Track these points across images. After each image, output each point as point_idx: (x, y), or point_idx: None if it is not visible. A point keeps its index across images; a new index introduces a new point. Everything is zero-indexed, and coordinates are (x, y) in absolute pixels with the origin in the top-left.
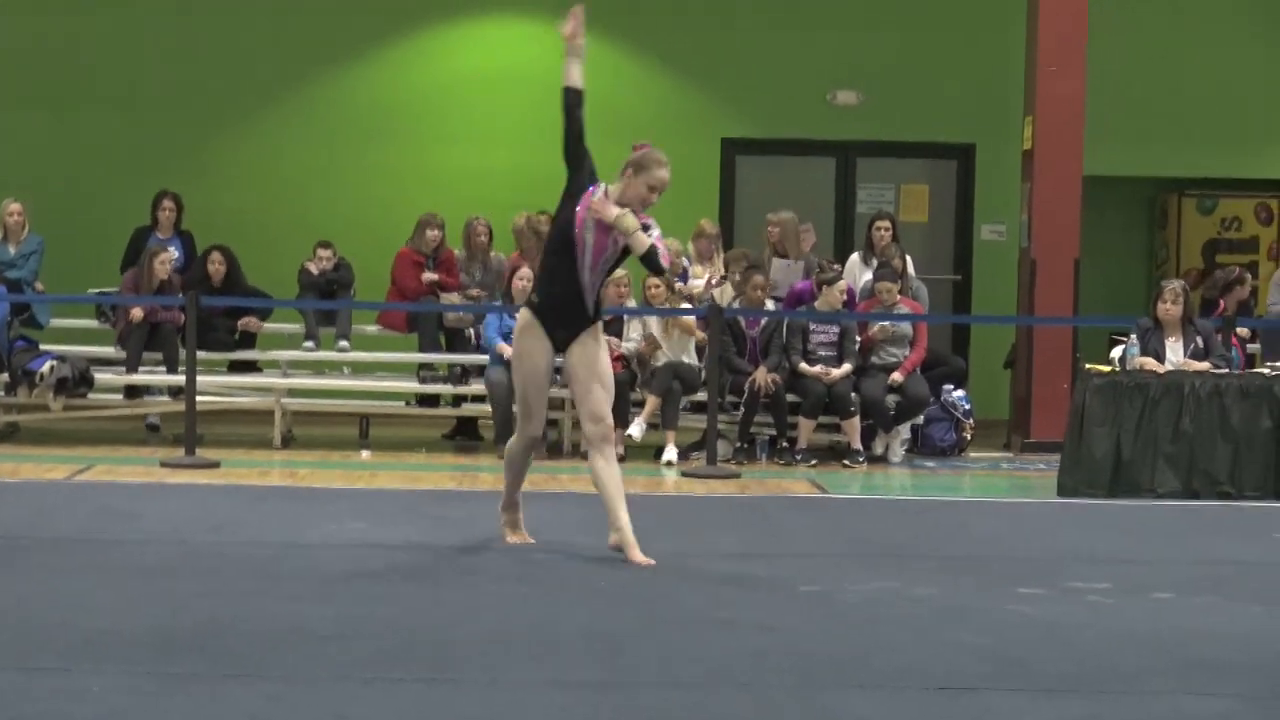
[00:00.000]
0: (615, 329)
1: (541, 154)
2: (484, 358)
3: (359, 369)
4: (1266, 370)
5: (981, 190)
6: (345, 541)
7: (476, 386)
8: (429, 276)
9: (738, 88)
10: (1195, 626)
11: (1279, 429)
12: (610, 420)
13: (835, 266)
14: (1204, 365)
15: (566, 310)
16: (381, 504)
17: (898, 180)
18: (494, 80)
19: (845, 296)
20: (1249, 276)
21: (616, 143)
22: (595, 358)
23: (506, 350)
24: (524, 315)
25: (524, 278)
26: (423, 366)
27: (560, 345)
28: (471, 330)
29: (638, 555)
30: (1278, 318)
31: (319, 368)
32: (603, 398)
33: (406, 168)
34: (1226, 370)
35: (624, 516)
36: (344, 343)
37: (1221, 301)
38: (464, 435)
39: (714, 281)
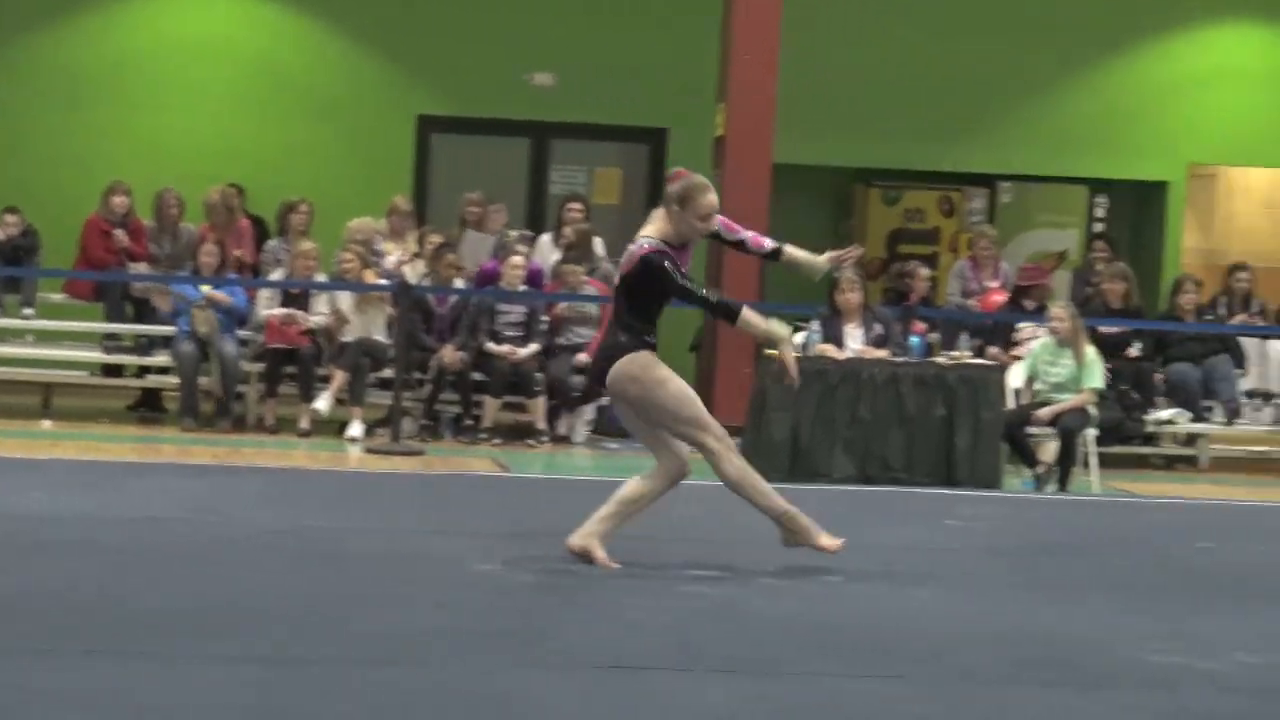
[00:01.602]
0: (302, 303)
1: (237, 125)
2: (170, 329)
3: (43, 337)
4: (943, 360)
5: None
6: (24, 512)
7: (162, 358)
8: (119, 234)
9: (434, 65)
10: (865, 610)
11: (952, 417)
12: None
13: (527, 233)
14: (882, 353)
15: None
16: (62, 475)
17: (591, 163)
18: (191, 50)
19: (521, 273)
20: (924, 270)
21: (312, 117)
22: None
23: (162, 303)
24: (649, 355)
25: (210, 254)
26: (108, 336)
27: None
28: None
29: (826, 541)
30: (957, 309)
31: (1, 335)
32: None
33: (100, 135)
34: (903, 359)
35: (778, 504)
36: (28, 310)
37: (912, 294)
38: (148, 407)
39: (406, 258)
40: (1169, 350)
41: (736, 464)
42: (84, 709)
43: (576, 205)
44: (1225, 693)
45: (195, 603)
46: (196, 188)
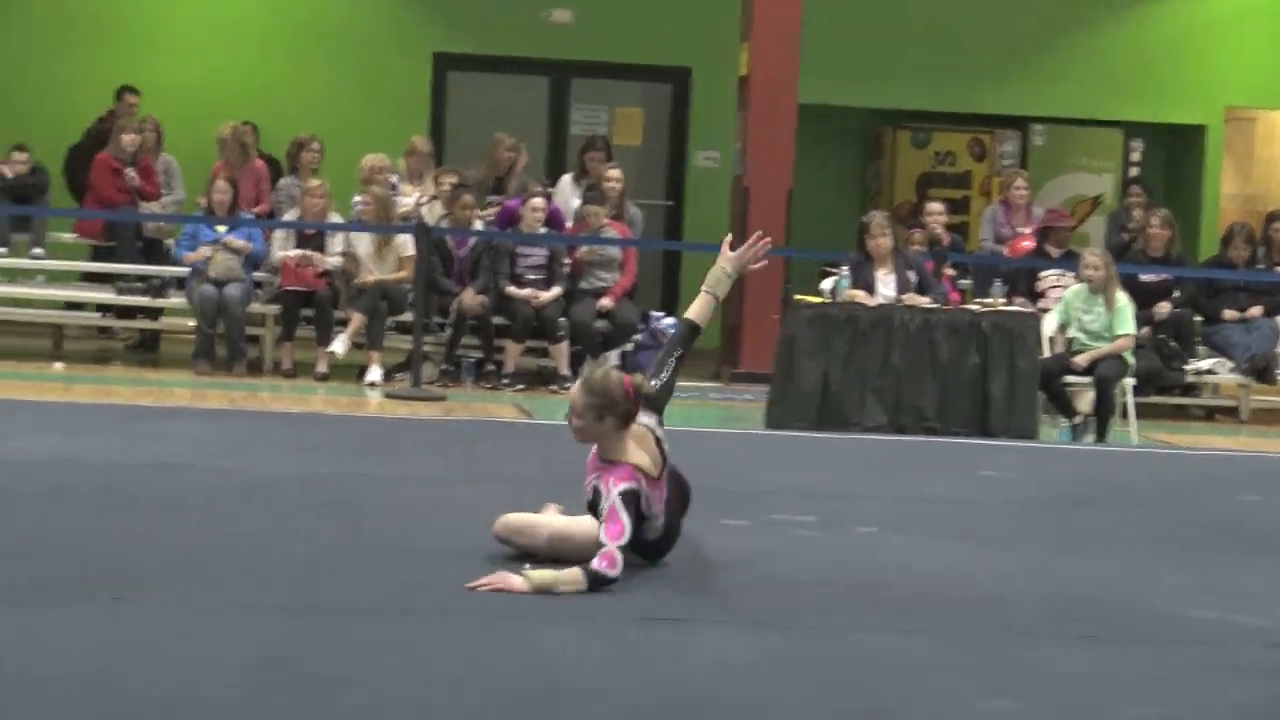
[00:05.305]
0: (318, 243)
1: (249, 64)
2: (184, 270)
3: (54, 278)
4: (976, 306)
5: (697, 115)
6: (35, 457)
7: (175, 300)
8: (130, 173)
9: (451, 1)
10: (896, 562)
11: (986, 366)
12: None
13: (545, 187)
14: (924, 299)
15: None
16: (74, 418)
17: (612, 102)
18: None
19: (541, 215)
20: (935, 206)
21: (326, 55)
22: None
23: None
24: None
25: (222, 191)
26: (120, 277)
27: None
28: (171, 241)
29: None
30: (989, 254)
31: (12, 275)
32: None
33: (110, 76)
34: (936, 305)
35: None
36: (38, 250)
37: (911, 230)
38: (145, 349)
39: (423, 200)
40: (1215, 299)
41: None
42: (96, 654)
43: (615, 174)
44: (1271, 649)
45: (210, 550)
46: (208, 127)
